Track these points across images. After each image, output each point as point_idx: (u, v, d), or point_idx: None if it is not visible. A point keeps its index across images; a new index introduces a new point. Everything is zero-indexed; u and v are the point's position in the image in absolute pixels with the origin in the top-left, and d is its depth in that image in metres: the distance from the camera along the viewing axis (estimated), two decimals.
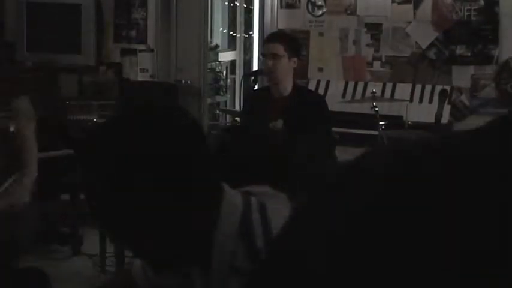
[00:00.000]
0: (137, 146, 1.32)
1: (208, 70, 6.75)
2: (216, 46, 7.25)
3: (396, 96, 5.71)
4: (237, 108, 5.67)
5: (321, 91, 5.90)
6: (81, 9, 6.26)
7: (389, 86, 5.82)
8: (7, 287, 2.89)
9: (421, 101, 5.66)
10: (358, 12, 5.98)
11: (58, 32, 6.35)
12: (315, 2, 6.13)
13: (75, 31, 6.28)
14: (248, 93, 4.95)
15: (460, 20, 5.62)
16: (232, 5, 7.47)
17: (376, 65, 5.97)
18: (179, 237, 1.39)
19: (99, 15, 6.44)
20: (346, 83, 6.00)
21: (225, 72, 7.32)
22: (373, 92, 5.22)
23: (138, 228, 1.36)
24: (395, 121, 5.20)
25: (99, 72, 6.48)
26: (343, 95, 5.93)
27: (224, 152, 3.81)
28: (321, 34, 6.14)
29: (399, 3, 5.81)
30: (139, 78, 6.47)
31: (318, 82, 6.08)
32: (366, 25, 5.96)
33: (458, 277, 0.43)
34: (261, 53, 4.62)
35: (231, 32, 7.55)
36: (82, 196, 4.47)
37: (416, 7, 5.76)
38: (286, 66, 4.32)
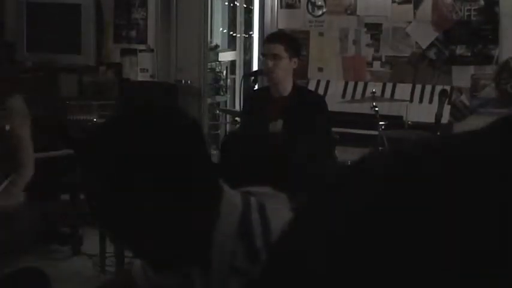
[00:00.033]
0: (137, 146, 1.32)
1: (208, 70, 6.75)
2: (216, 46, 7.25)
3: (396, 96, 5.71)
4: (237, 108, 5.68)
5: (321, 91, 5.90)
6: (81, 9, 6.26)
7: (389, 86, 5.82)
8: (7, 287, 2.89)
9: (421, 101, 5.66)
10: (358, 12, 5.98)
11: (58, 32, 6.36)
12: (315, 2, 6.13)
13: (75, 31, 6.29)
14: (248, 93, 4.95)
15: (460, 20, 5.62)
16: (232, 5, 7.47)
17: (376, 65, 5.97)
18: (179, 237, 1.39)
19: (99, 15, 6.44)
20: (346, 83, 6.00)
21: (225, 72, 7.32)
22: (373, 92, 5.22)
23: (138, 228, 1.36)
24: (395, 121, 5.19)
25: (99, 72, 6.48)
26: (343, 95, 5.93)
27: (225, 152, 3.82)
28: (321, 34, 6.14)
29: (399, 3, 5.81)
30: (140, 78, 6.47)
31: (318, 82, 6.08)
32: (366, 25, 5.96)
33: (458, 277, 0.43)
34: (261, 53, 4.62)
35: (231, 32, 7.55)
36: (82, 196, 4.47)
37: (416, 7, 5.76)
38: (286, 67, 4.32)
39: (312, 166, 3.92)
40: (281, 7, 6.24)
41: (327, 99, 4.91)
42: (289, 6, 6.22)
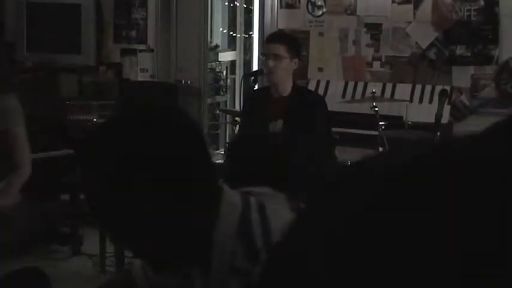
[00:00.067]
0: (137, 146, 1.32)
1: (208, 70, 6.75)
2: (216, 46, 7.25)
3: (396, 97, 5.71)
4: (237, 108, 5.68)
5: (321, 91, 5.90)
6: (81, 9, 6.27)
7: (389, 86, 5.82)
8: (7, 287, 2.89)
9: (421, 101, 5.66)
10: (358, 12, 5.98)
11: (58, 32, 6.36)
12: (315, 2, 6.13)
13: (75, 31, 6.29)
14: (248, 93, 4.95)
15: (460, 20, 5.62)
16: (232, 5, 7.47)
17: (376, 65, 5.97)
18: (179, 237, 1.39)
19: (99, 15, 6.44)
20: (346, 83, 6.00)
21: (225, 72, 7.32)
22: (373, 92, 5.22)
23: (138, 228, 1.36)
24: (395, 121, 5.19)
25: (99, 72, 6.49)
26: (343, 95, 5.93)
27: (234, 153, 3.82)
28: (321, 34, 6.14)
29: (399, 3, 5.81)
30: (139, 78, 6.47)
31: (318, 82, 6.08)
32: (366, 25, 5.96)
33: (458, 277, 0.43)
34: (262, 53, 4.61)
35: (231, 32, 7.55)
36: (82, 196, 4.47)
37: (416, 7, 5.76)
38: (287, 67, 4.32)
39: (312, 166, 3.92)
40: (281, 7, 6.24)
41: (327, 99, 4.91)
42: (289, 6, 6.22)
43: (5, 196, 3.50)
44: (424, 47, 5.76)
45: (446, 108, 5.13)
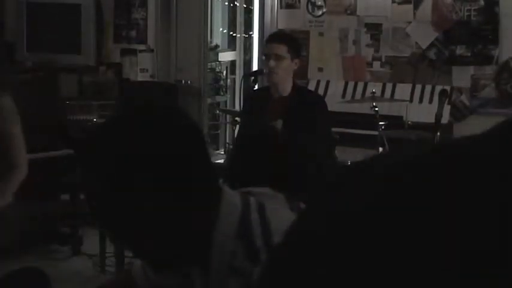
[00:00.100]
0: (137, 146, 1.32)
1: (208, 70, 6.75)
2: (216, 46, 7.25)
3: (396, 97, 5.70)
4: (237, 108, 5.67)
5: (321, 91, 5.90)
6: (81, 9, 6.27)
7: (389, 86, 5.82)
8: (7, 287, 2.89)
9: (421, 101, 5.66)
10: (358, 12, 5.98)
11: (58, 32, 6.36)
12: (315, 2, 6.13)
13: (75, 31, 6.29)
14: (248, 93, 4.95)
15: (460, 20, 5.62)
16: (232, 5, 7.47)
17: (376, 65, 5.96)
18: (179, 237, 1.39)
19: (99, 15, 6.44)
20: (346, 83, 6.00)
21: (225, 72, 7.32)
22: (373, 92, 5.22)
23: (138, 228, 1.36)
24: (395, 121, 5.19)
25: (99, 72, 6.49)
26: (343, 95, 5.93)
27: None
28: (321, 34, 6.14)
29: (399, 3, 5.81)
30: (139, 78, 6.47)
31: (318, 82, 6.07)
32: (366, 25, 5.96)
33: (458, 277, 0.43)
34: (263, 53, 4.61)
35: (231, 32, 7.55)
36: (82, 196, 4.47)
37: (416, 7, 5.76)
38: (288, 67, 4.33)
39: (312, 166, 3.92)
40: (281, 7, 6.24)
41: (327, 99, 4.91)
42: (289, 6, 6.22)
43: (1, 196, 3.49)
44: (424, 47, 5.76)
45: (446, 108, 5.13)
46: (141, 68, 6.49)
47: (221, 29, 7.53)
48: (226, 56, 7.35)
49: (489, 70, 5.56)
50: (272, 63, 4.30)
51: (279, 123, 4.25)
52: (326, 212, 0.52)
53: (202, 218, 1.40)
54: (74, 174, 4.89)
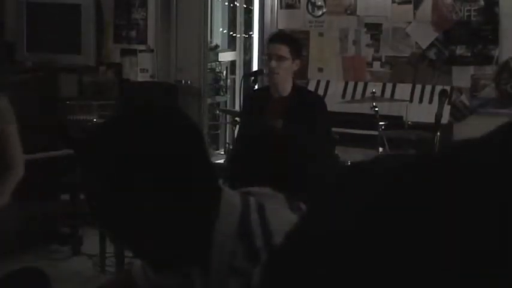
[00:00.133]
0: (137, 146, 1.32)
1: (208, 70, 6.75)
2: (216, 46, 7.25)
3: (396, 97, 5.70)
4: (237, 108, 5.68)
5: (320, 91, 5.90)
6: (81, 9, 6.27)
7: (389, 86, 5.82)
8: (7, 287, 2.89)
9: (421, 101, 5.66)
10: (358, 13, 5.97)
11: (58, 32, 6.36)
12: (315, 2, 6.13)
13: (75, 31, 6.29)
14: (248, 93, 4.95)
15: (460, 20, 5.62)
16: (232, 5, 7.47)
17: (376, 65, 5.96)
18: (179, 237, 1.39)
19: (99, 15, 6.44)
20: (346, 83, 6.00)
21: (225, 72, 7.32)
22: (373, 92, 5.22)
23: (138, 228, 1.36)
24: (395, 121, 5.19)
25: (99, 72, 6.49)
26: (343, 95, 5.93)
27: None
28: (320, 34, 6.14)
29: (399, 4, 5.81)
30: (139, 79, 6.47)
31: (318, 82, 6.07)
32: (366, 25, 5.96)
33: (458, 277, 0.43)
34: (265, 54, 4.61)
35: (231, 32, 7.55)
36: (82, 196, 4.47)
37: (416, 7, 5.76)
38: (289, 68, 4.33)
39: (312, 166, 3.92)
40: (281, 7, 6.24)
41: (327, 99, 4.91)
42: (289, 6, 6.22)
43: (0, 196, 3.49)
44: (424, 47, 5.75)
45: (446, 108, 5.13)
46: (141, 68, 6.49)
47: (221, 29, 7.52)
48: (226, 56, 7.35)
49: (489, 70, 5.56)
50: (273, 63, 4.31)
51: (279, 123, 4.26)
52: (326, 212, 0.52)
53: (202, 218, 1.40)
54: (74, 174, 4.89)
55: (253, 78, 4.90)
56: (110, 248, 4.67)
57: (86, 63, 6.34)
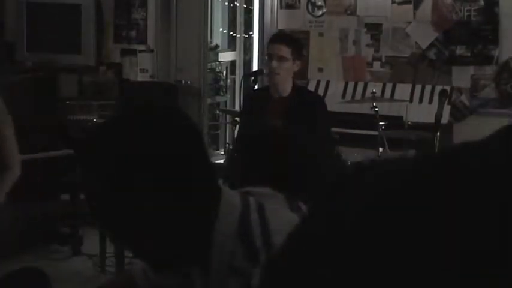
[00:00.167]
0: (137, 146, 1.32)
1: (208, 70, 6.75)
2: (216, 46, 7.25)
3: (396, 97, 5.70)
4: (237, 108, 5.68)
5: (320, 91, 5.90)
6: (81, 9, 6.27)
7: (389, 86, 5.82)
8: (7, 287, 2.89)
9: (421, 101, 5.66)
10: (358, 13, 5.98)
11: (58, 32, 6.36)
12: (315, 2, 6.13)
13: (75, 31, 6.29)
14: (248, 93, 4.95)
15: (460, 20, 5.62)
16: (232, 5, 7.47)
17: (376, 65, 5.96)
18: (179, 237, 1.39)
19: (99, 15, 6.44)
20: (346, 83, 6.00)
21: (225, 72, 7.32)
22: (373, 92, 5.22)
23: (138, 228, 1.36)
24: (395, 121, 5.19)
25: (99, 72, 6.49)
26: (343, 96, 5.93)
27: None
28: (320, 34, 6.14)
29: (399, 4, 5.81)
30: (139, 79, 6.47)
31: (318, 82, 6.07)
32: (366, 25, 5.96)
33: (458, 277, 0.43)
34: (266, 54, 4.61)
35: (231, 32, 7.55)
36: (82, 196, 4.47)
37: (416, 7, 5.76)
38: (289, 69, 4.34)
39: (312, 166, 3.92)
40: (281, 7, 6.24)
41: (327, 99, 4.91)
42: (289, 6, 6.22)
43: None
44: (424, 47, 5.75)
45: (446, 108, 5.13)
46: (141, 68, 6.49)
47: (221, 29, 7.52)
48: (226, 56, 7.35)
49: (489, 70, 5.56)
50: (275, 63, 4.31)
51: (279, 124, 4.26)
52: (326, 212, 0.52)
53: (202, 218, 1.40)
54: (74, 174, 4.89)
55: (253, 78, 4.90)
56: (110, 248, 4.68)
57: (86, 63, 6.34)
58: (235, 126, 5.33)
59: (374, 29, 5.94)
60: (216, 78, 7.08)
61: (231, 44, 7.55)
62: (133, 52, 6.49)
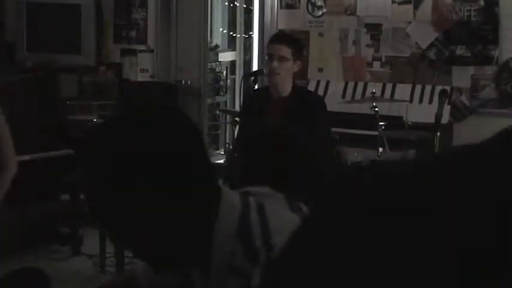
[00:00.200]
0: (137, 146, 1.32)
1: (208, 70, 6.76)
2: (216, 46, 7.25)
3: (396, 97, 5.70)
4: (237, 108, 5.69)
5: (320, 91, 5.90)
6: (81, 9, 6.27)
7: (389, 86, 5.82)
8: (7, 287, 2.89)
9: (421, 101, 5.66)
10: (358, 13, 5.98)
11: (58, 32, 6.36)
12: (315, 3, 6.13)
13: (75, 31, 6.29)
14: (248, 93, 4.95)
15: (460, 20, 5.62)
16: (232, 5, 7.47)
17: (376, 65, 5.96)
18: (178, 237, 1.39)
19: (99, 15, 6.44)
20: (346, 84, 6.00)
21: (225, 72, 7.32)
22: (373, 93, 5.22)
23: (138, 228, 1.36)
24: (395, 121, 5.19)
25: (99, 72, 6.49)
26: (343, 96, 5.93)
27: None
28: (320, 34, 6.14)
29: (399, 4, 5.81)
30: (139, 79, 6.47)
31: (318, 82, 6.07)
32: (366, 25, 5.96)
33: (458, 277, 0.43)
34: (266, 54, 4.61)
35: (231, 32, 7.55)
36: (82, 196, 4.47)
37: (416, 7, 5.76)
38: (290, 69, 4.34)
39: (312, 166, 3.92)
40: (281, 7, 6.24)
41: (327, 99, 4.91)
42: (289, 6, 6.22)
43: None
44: (424, 47, 5.76)
45: (446, 109, 5.13)
46: (141, 68, 6.49)
47: (221, 29, 7.53)
48: (226, 56, 7.35)
49: (489, 70, 5.56)
50: (275, 64, 4.31)
51: (279, 124, 4.26)
52: (326, 212, 0.52)
53: (202, 218, 1.40)
54: (74, 174, 4.89)
55: (253, 78, 4.90)
56: (110, 248, 4.68)
57: (86, 63, 6.35)
58: (235, 126, 5.33)
59: (374, 29, 5.94)
60: (216, 78, 7.08)
61: (231, 44, 7.55)
62: (134, 52, 6.49)
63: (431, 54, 5.74)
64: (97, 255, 4.81)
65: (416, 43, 5.79)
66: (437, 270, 0.43)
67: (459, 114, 5.63)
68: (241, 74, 7.20)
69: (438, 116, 4.62)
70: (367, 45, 5.97)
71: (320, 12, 6.13)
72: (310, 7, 6.15)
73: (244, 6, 7.37)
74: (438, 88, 5.44)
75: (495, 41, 5.52)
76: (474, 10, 5.58)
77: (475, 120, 5.50)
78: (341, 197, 0.52)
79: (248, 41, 7.45)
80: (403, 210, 0.47)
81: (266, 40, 5.30)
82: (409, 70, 5.81)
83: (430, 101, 5.59)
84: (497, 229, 0.43)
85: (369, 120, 5.09)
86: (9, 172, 3.54)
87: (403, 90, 5.74)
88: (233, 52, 7.45)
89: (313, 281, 0.48)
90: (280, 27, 6.19)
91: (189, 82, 6.37)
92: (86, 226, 5.04)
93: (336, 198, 0.52)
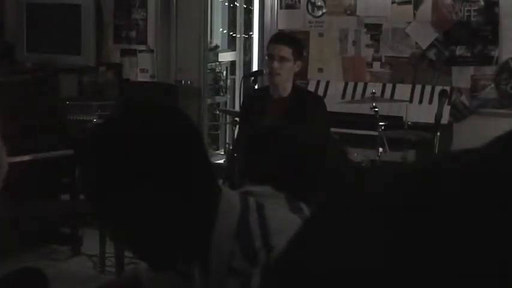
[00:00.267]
0: (137, 146, 1.32)
1: (208, 70, 6.76)
2: (216, 46, 7.25)
3: (396, 97, 5.70)
4: (237, 108, 5.69)
5: (320, 92, 5.90)
6: (81, 10, 6.27)
7: (389, 86, 5.82)
8: (7, 287, 2.89)
9: (420, 101, 5.66)
10: (358, 13, 5.97)
11: (58, 32, 6.36)
12: (314, 3, 6.13)
13: (75, 31, 6.29)
14: (247, 93, 4.95)
15: (460, 21, 5.62)
16: (232, 5, 7.47)
17: (376, 65, 5.96)
18: (178, 237, 1.39)
19: (99, 15, 6.44)
20: (346, 84, 6.00)
21: (225, 72, 7.32)
22: (373, 93, 5.22)
23: (138, 227, 1.36)
24: (395, 122, 5.19)
25: (99, 73, 6.49)
26: (343, 96, 5.92)
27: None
28: (320, 35, 6.14)
29: (399, 4, 5.81)
30: (139, 79, 6.47)
31: (318, 83, 6.07)
32: (366, 25, 5.96)
33: (452, 277, 0.43)
34: (266, 54, 4.61)
35: (231, 33, 7.55)
36: (82, 196, 4.47)
37: (416, 7, 5.76)
38: (290, 69, 4.34)
39: (312, 166, 3.91)
40: (281, 7, 6.24)
41: (327, 99, 4.91)
42: (289, 6, 6.22)
43: None
44: (424, 47, 5.75)
45: (446, 109, 5.13)
46: (141, 68, 6.49)
47: (221, 29, 7.53)
48: (226, 57, 7.35)
49: (489, 70, 5.56)
50: (276, 64, 4.31)
51: (279, 124, 4.26)
52: (328, 214, 0.52)
53: (202, 218, 1.40)
54: (74, 174, 4.89)
55: (253, 78, 4.90)
56: (110, 248, 4.67)
57: (86, 63, 6.35)
58: (235, 126, 5.33)
59: (374, 29, 5.94)
60: (216, 78, 7.08)
61: (231, 44, 7.55)
62: (133, 52, 6.49)
63: (431, 55, 5.74)
64: (97, 255, 4.81)
65: (416, 43, 5.79)
66: (432, 270, 0.43)
67: (459, 114, 5.63)
68: (241, 74, 7.20)
69: (438, 116, 4.61)
70: (367, 46, 5.97)
71: (320, 13, 6.12)
72: (310, 7, 6.15)
73: (244, 6, 7.37)
74: (438, 88, 5.44)
75: (495, 41, 5.52)
76: (474, 10, 5.58)
77: (475, 120, 5.50)
78: (342, 199, 0.52)
79: (248, 41, 7.45)
80: (403, 211, 0.47)
81: (266, 40, 5.30)
82: (409, 70, 5.81)
83: (430, 101, 5.59)
84: (497, 229, 0.43)
85: (368, 121, 5.09)
86: (3, 170, 3.53)
87: (403, 90, 5.74)
88: (233, 52, 7.45)
89: (313, 281, 0.48)
90: (280, 27, 6.19)
91: (189, 82, 6.37)
92: (86, 226, 5.05)
93: (337, 200, 0.52)
